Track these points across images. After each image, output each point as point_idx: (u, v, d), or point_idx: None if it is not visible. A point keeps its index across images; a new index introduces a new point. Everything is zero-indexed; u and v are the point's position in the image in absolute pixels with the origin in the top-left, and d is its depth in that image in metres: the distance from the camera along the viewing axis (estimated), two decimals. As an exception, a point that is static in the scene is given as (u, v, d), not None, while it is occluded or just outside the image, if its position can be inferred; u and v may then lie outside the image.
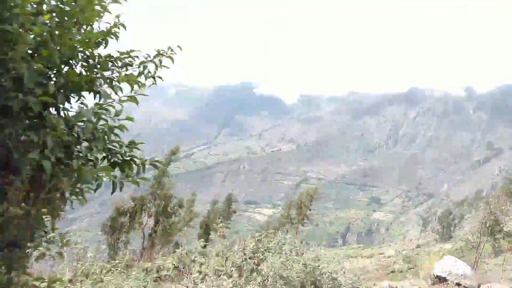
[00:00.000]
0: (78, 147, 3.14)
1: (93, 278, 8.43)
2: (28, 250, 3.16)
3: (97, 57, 3.29)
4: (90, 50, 3.22)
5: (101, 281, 8.28)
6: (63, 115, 3.10)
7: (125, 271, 8.99)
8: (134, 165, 3.47)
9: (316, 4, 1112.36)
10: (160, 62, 3.68)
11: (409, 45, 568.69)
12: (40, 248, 3.28)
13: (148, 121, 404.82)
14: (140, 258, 16.97)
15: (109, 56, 3.39)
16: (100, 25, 3.33)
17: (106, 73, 3.38)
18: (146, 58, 3.60)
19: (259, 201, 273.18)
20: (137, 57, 3.57)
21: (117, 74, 3.48)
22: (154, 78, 3.75)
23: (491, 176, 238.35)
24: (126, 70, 3.56)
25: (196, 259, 10.06)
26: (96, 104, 3.30)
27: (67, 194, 3.03)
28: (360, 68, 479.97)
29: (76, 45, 3.07)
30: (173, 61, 3.75)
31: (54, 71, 3.05)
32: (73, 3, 3.05)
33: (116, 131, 3.25)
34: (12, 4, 2.69)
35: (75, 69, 3.18)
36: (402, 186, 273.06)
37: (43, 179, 2.96)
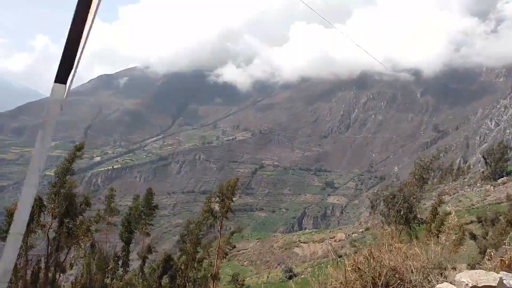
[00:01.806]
0: None
1: None
2: None
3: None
4: None
5: None
6: None
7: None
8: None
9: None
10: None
11: (359, 29, 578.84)
12: None
13: (98, 113, 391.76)
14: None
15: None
16: None
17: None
18: None
19: (215, 191, 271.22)
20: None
21: None
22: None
23: (438, 156, 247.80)
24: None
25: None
26: None
27: None
28: (311, 54, 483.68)
29: None
30: None
31: None
32: None
33: None
34: None
35: None
36: (355, 170, 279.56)
37: None
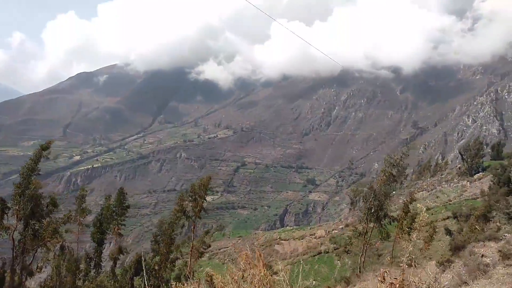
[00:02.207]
0: None
1: None
2: None
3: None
4: None
5: None
6: None
7: None
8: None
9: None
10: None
11: (339, 27, 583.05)
12: None
13: (77, 111, 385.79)
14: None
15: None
16: None
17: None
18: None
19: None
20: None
21: None
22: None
23: (417, 153, 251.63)
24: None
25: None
26: None
27: None
28: (292, 52, 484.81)
29: None
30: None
31: None
32: None
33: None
34: None
35: None
36: (335, 167, 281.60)
37: None
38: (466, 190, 75.16)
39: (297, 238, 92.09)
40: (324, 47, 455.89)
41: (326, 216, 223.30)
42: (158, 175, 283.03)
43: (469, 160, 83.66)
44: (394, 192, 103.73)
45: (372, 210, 29.03)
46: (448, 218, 57.38)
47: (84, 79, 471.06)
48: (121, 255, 28.97)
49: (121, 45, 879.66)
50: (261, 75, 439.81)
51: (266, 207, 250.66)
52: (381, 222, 29.32)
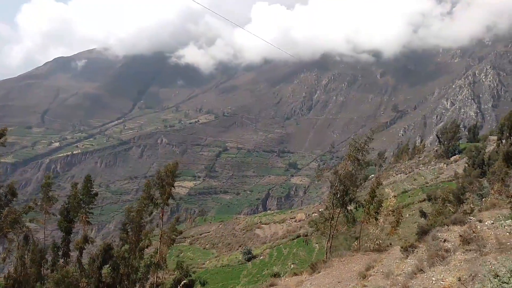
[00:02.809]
0: None
1: None
2: None
3: None
4: None
5: None
6: None
7: None
8: None
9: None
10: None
11: (321, 10, 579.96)
12: None
13: (55, 97, 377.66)
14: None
15: None
16: None
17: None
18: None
19: (179, 174, 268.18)
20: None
21: None
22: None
23: (397, 136, 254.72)
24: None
25: None
26: None
27: None
28: (274, 36, 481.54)
29: None
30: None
31: None
32: None
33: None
34: None
35: None
36: (317, 151, 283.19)
37: None
38: (443, 173, 76.11)
39: (277, 221, 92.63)
40: (305, 30, 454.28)
41: (308, 200, 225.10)
42: (139, 161, 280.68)
43: (445, 142, 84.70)
44: (372, 175, 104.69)
45: (338, 195, 28.85)
46: (424, 200, 58.15)
47: (61, 64, 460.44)
48: (87, 244, 28.38)
49: (99, 29, 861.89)
50: (242, 59, 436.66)
51: (248, 192, 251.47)
52: (347, 208, 29.19)
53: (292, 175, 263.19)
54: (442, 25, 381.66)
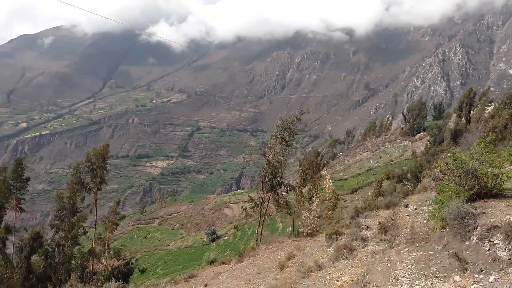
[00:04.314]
0: None
1: None
2: None
3: None
4: None
5: None
6: None
7: None
8: None
9: None
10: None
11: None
12: None
13: (21, 76, 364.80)
14: None
15: None
16: None
17: None
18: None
19: (151, 154, 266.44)
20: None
21: None
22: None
23: (369, 114, 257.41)
24: None
25: None
26: None
27: None
28: (246, 13, 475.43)
29: None
30: None
31: None
32: None
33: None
34: None
35: None
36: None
37: None
38: (408, 150, 77.02)
39: (246, 201, 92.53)
40: (278, 8, 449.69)
41: (281, 178, 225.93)
42: (110, 141, 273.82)
43: (411, 120, 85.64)
44: (341, 153, 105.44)
45: (267, 179, 28.15)
46: (387, 178, 58.72)
47: (27, 42, 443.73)
48: (9, 235, 27.09)
49: (66, 6, 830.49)
50: (215, 37, 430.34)
51: (222, 171, 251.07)
52: (277, 191, 28.55)
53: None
54: (414, 3, 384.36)
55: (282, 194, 28.74)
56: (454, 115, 65.65)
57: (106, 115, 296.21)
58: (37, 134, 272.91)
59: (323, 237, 14.67)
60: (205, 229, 76.64)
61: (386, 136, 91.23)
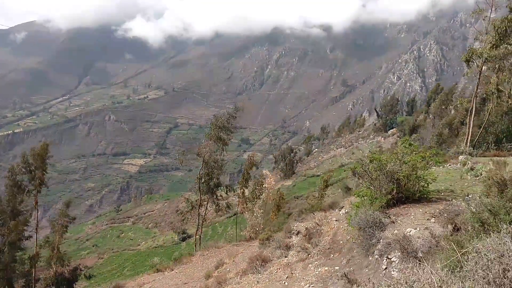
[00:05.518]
0: None
1: None
2: None
3: None
4: None
5: None
6: None
7: None
8: None
9: None
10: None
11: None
12: None
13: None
14: None
15: None
16: None
17: None
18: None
19: (128, 152, 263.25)
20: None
21: None
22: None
23: (346, 110, 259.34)
24: None
25: None
26: None
27: None
28: (224, 9, 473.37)
29: None
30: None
31: None
32: None
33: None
34: None
35: None
36: (269, 126, 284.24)
37: None
38: (380, 146, 77.68)
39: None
40: (257, 4, 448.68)
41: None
42: (86, 139, 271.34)
43: (384, 116, 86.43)
44: (316, 149, 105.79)
45: (203, 180, 27.62)
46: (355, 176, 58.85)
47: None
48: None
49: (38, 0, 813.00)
50: (192, 33, 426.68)
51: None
52: (216, 194, 28.03)
53: (245, 151, 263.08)
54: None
55: (221, 196, 28.10)
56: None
57: (82, 112, 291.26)
58: (9, 132, 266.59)
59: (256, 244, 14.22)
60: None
61: (360, 132, 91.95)
